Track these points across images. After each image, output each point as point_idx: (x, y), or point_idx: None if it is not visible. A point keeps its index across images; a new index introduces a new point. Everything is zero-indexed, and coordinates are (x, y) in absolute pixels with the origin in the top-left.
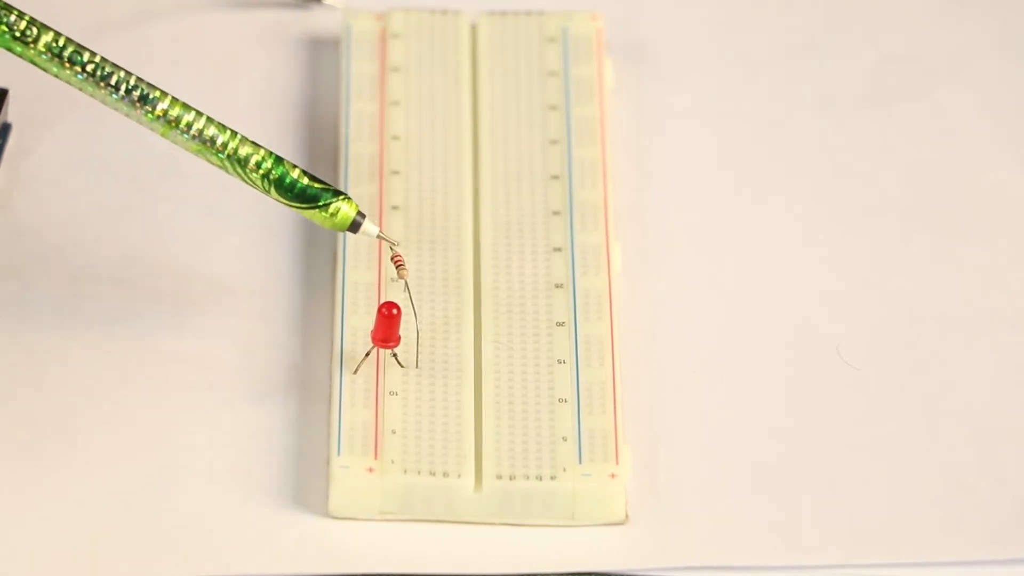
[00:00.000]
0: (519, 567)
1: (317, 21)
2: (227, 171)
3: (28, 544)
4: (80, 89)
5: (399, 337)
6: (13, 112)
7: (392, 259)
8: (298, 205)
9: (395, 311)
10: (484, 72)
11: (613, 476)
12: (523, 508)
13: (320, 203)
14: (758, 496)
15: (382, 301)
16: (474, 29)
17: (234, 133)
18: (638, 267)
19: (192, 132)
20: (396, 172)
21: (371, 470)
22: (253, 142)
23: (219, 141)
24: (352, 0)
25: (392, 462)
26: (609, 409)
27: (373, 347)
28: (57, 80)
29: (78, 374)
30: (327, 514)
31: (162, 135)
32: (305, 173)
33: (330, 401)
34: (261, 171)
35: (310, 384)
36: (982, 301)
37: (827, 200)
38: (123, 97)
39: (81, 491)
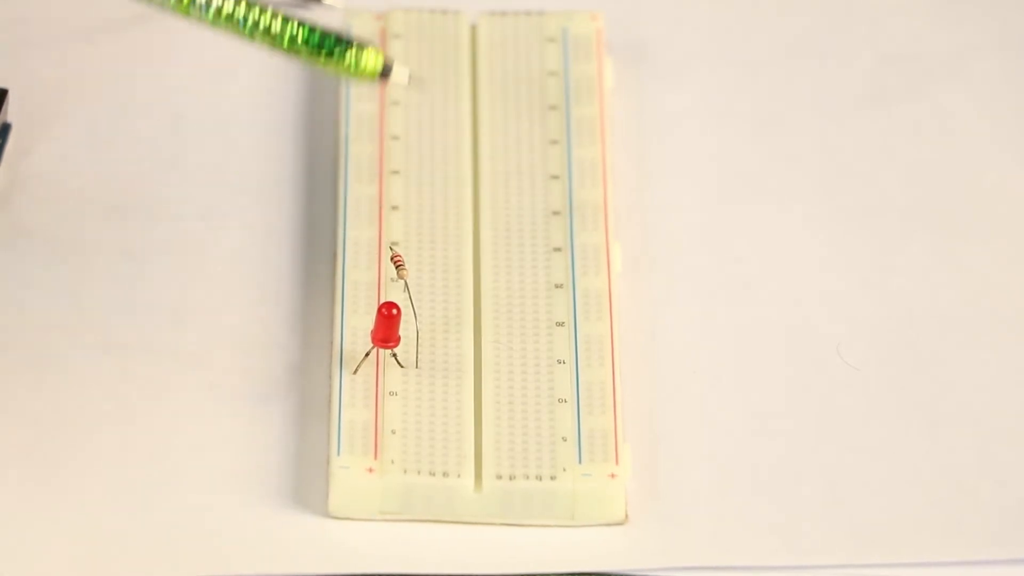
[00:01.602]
0: (519, 567)
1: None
2: (252, 40)
3: (28, 544)
4: None
5: (399, 337)
6: (13, 112)
7: (392, 259)
8: (323, 59)
9: (395, 311)
10: (484, 72)
11: (613, 476)
12: (523, 508)
13: (346, 52)
14: (758, 496)
15: (382, 301)
16: (474, 29)
17: (262, 9)
18: (638, 267)
19: (212, 11)
20: (396, 172)
21: (371, 470)
22: (273, 9)
23: (239, 15)
24: (352, 0)
25: (392, 462)
26: (609, 409)
27: (373, 347)
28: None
29: (78, 374)
30: (327, 514)
31: (183, 13)
32: (324, 28)
33: (330, 401)
34: (291, 32)
35: (310, 384)
36: (982, 301)
37: (827, 200)
38: None
39: (81, 491)
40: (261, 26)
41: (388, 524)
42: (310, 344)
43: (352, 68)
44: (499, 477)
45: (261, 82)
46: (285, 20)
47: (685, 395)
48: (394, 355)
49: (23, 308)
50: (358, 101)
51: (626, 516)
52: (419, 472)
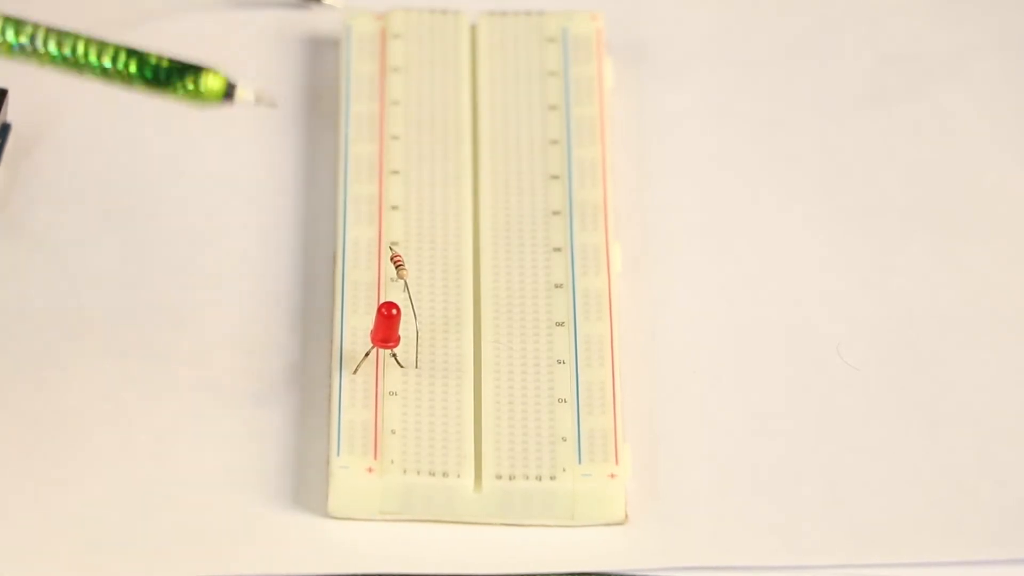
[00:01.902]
0: (519, 567)
1: (317, 21)
2: (77, 74)
3: (28, 544)
4: None
5: (399, 337)
6: (13, 112)
7: (392, 259)
8: (161, 89)
9: (395, 311)
10: (484, 72)
11: (613, 476)
12: (523, 508)
13: (185, 79)
14: (758, 496)
15: (382, 301)
16: (474, 29)
17: (79, 39)
18: (638, 267)
19: (32, 48)
20: (396, 172)
21: (371, 470)
22: (99, 41)
23: (66, 51)
24: (352, 0)
25: (392, 462)
26: (609, 409)
27: (373, 347)
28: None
29: (78, 374)
30: (327, 514)
31: (6, 55)
32: (159, 56)
33: (330, 401)
34: (121, 67)
35: (310, 384)
36: (982, 301)
37: (827, 200)
38: None
39: (81, 491)
40: (91, 63)
41: (388, 524)
42: (310, 344)
43: (193, 95)
44: (499, 477)
45: (261, 82)
46: (115, 55)
47: (685, 395)
48: (394, 355)
49: (23, 308)
50: (358, 101)
51: (626, 516)
52: (419, 472)
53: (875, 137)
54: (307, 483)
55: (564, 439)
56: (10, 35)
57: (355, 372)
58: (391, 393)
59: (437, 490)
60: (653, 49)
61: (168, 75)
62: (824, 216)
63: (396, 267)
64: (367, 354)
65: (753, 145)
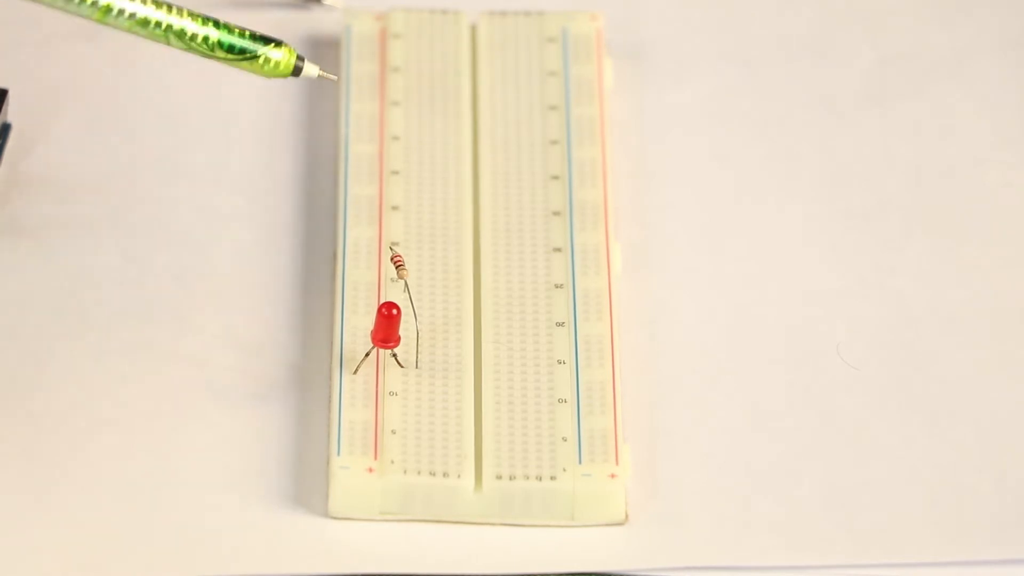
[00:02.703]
0: (519, 567)
1: (317, 21)
2: (164, 43)
3: (28, 544)
4: None
5: (399, 337)
6: (13, 112)
7: (392, 259)
8: (245, 58)
9: (395, 311)
10: (484, 72)
11: (613, 476)
12: (523, 508)
13: (258, 54)
14: (758, 496)
15: (382, 301)
16: (474, 29)
17: (169, 7)
18: (638, 267)
19: (127, 15)
20: (396, 172)
21: (371, 470)
22: (189, 12)
23: (154, 20)
24: (352, 0)
25: (392, 462)
26: (609, 409)
27: (373, 347)
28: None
29: (78, 374)
30: (327, 514)
31: (98, 21)
32: (238, 27)
33: (330, 401)
34: (203, 39)
35: (310, 384)
36: (982, 301)
37: (827, 200)
38: None
39: (82, 491)
40: (175, 29)
41: (388, 524)
42: (310, 344)
43: (266, 68)
44: (499, 477)
45: (261, 82)
46: (203, 22)
47: (685, 395)
48: (394, 355)
49: (23, 308)
50: (358, 101)
51: (626, 516)
52: (419, 472)
53: (875, 137)
54: (307, 483)
55: (564, 439)
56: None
57: (355, 372)
58: (391, 393)
59: (437, 490)
60: (653, 49)
61: (247, 47)
62: (824, 216)
63: (396, 267)
64: (367, 354)
65: (753, 145)
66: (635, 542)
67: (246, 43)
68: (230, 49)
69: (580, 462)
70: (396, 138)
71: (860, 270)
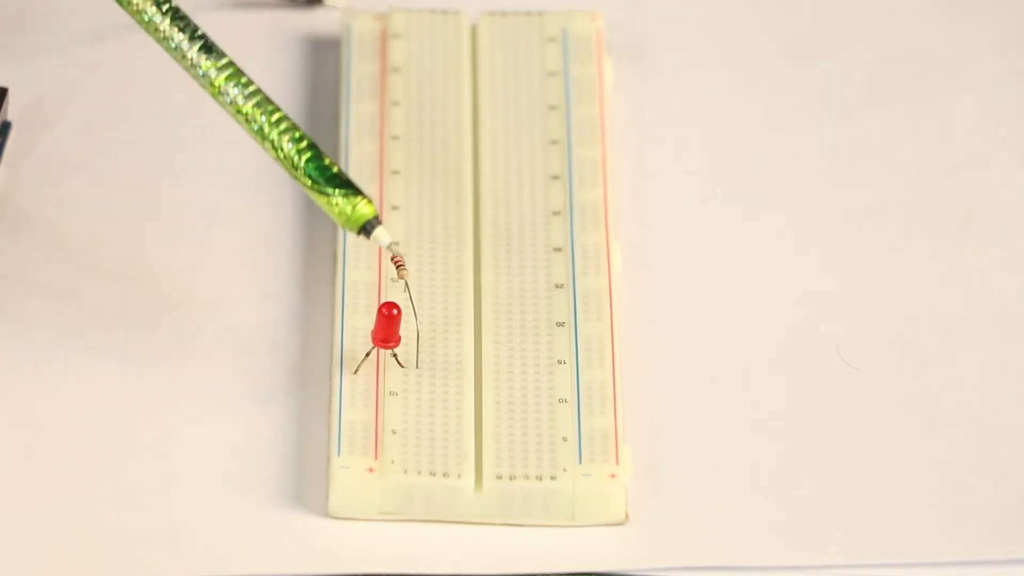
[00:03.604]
0: (519, 567)
1: (317, 21)
2: (259, 144)
3: (28, 544)
4: (148, 26)
5: (399, 337)
6: (13, 112)
7: (392, 259)
8: (319, 191)
9: (395, 311)
10: (484, 72)
11: (613, 476)
12: (523, 508)
13: (343, 194)
14: (758, 496)
15: (382, 301)
16: (474, 29)
17: (275, 110)
18: (638, 267)
19: (235, 100)
20: (396, 172)
21: (371, 470)
22: (292, 123)
23: (256, 115)
24: (352, 0)
25: (392, 462)
26: (609, 409)
27: (373, 347)
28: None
29: (78, 374)
30: (327, 514)
31: (211, 95)
32: (336, 164)
33: (330, 401)
34: (296, 151)
35: (310, 384)
36: (982, 301)
37: (827, 200)
38: (191, 40)
39: (82, 491)
40: (268, 136)
41: (388, 524)
42: (310, 344)
43: (334, 212)
44: (499, 477)
45: (261, 82)
46: (297, 140)
47: (685, 395)
48: (394, 355)
49: (23, 307)
50: (358, 101)
51: (626, 516)
52: (419, 472)
53: (875, 137)
54: (307, 483)
55: (564, 439)
56: (224, 82)
57: (355, 372)
58: (391, 393)
59: (437, 490)
60: (653, 49)
61: (330, 182)
62: (824, 216)
63: (396, 267)
64: (367, 354)
65: (753, 145)
66: (635, 542)
67: (323, 179)
68: (309, 177)
69: (580, 462)
70: (396, 138)
71: (860, 270)
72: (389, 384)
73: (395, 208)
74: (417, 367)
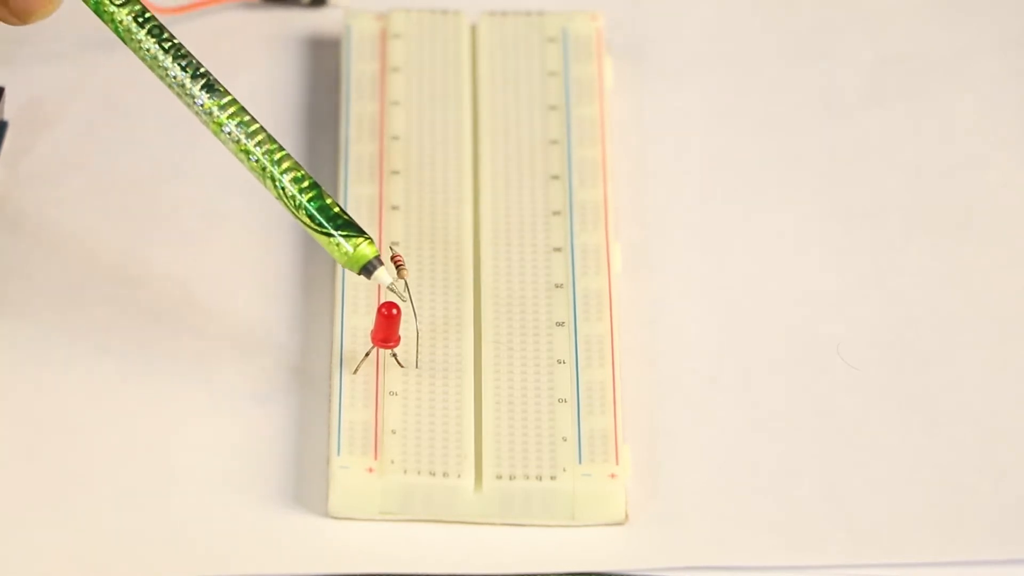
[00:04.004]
0: (519, 567)
1: (317, 21)
2: (261, 182)
3: (28, 544)
4: (152, 63)
5: (399, 337)
6: (12, 111)
7: (392, 259)
8: (321, 231)
9: (395, 311)
10: (484, 72)
11: (613, 476)
12: (523, 508)
13: (342, 234)
14: (758, 496)
15: (382, 301)
16: (474, 29)
17: (278, 148)
18: (638, 267)
19: (238, 138)
20: (396, 172)
21: (371, 470)
22: (295, 161)
23: (259, 153)
24: (352, 0)
25: (392, 462)
26: (609, 409)
27: (373, 347)
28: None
29: (78, 374)
30: (327, 514)
31: (212, 132)
32: (336, 204)
33: (330, 401)
34: (298, 190)
35: (310, 384)
36: (982, 301)
37: (827, 200)
38: (193, 78)
39: (81, 491)
40: (270, 175)
41: (388, 524)
42: (310, 344)
43: (336, 253)
44: (499, 477)
45: (261, 83)
46: (299, 180)
47: (685, 395)
48: (394, 355)
49: (23, 307)
50: (358, 101)
51: (626, 516)
52: (419, 472)
53: (875, 137)
54: (307, 483)
55: (564, 439)
56: (226, 120)
57: (355, 372)
58: (391, 393)
59: (437, 490)
60: (653, 49)
61: (332, 221)
62: (824, 216)
63: (396, 267)
64: (367, 354)
65: (753, 145)
66: (635, 542)
67: (326, 219)
68: (311, 217)
69: (580, 462)
70: (396, 138)
71: (860, 270)
72: (389, 384)
73: (395, 208)
74: (417, 367)
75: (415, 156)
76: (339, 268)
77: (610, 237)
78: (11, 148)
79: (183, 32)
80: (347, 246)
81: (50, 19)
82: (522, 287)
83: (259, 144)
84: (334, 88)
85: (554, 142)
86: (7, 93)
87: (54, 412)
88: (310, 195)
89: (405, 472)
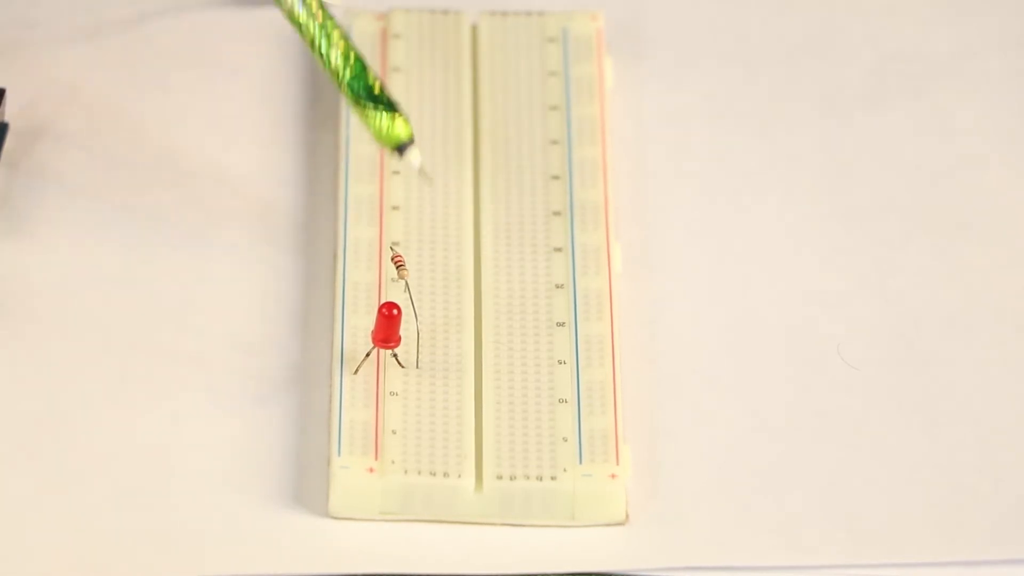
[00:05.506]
0: (519, 567)
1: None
2: (311, 52)
3: (28, 544)
4: None
5: (399, 337)
6: (12, 112)
7: (392, 259)
8: (363, 105)
9: (395, 311)
10: (484, 72)
11: (613, 476)
12: (523, 508)
13: (383, 109)
14: (758, 496)
15: (382, 301)
16: (474, 29)
17: (333, 25)
18: (638, 267)
19: (292, 8)
20: (396, 172)
21: (371, 470)
22: (342, 35)
23: (312, 28)
24: (352, 0)
25: (392, 462)
26: (609, 409)
27: (373, 347)
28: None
29: (78, 374)
30: (327, 514)
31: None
32: (381, 86)
33: (330, 401)
34: (343, 64)
35: (310, 384)
36: (982, 301)
37: (827, 200)
38: None
39: (81, 491)
40: (318, 47)
41: (388, 524)
42: (310, 344)
43: (372, 127)
44: (499, 477)
45: (261, 82)
46: (344, 54)
47: (685, 395)
48: (394, 355)
49: (23, 307)
50: None
51: (626, 516)
52: (419, 472)
53: (875, 137)
54: (307, 483)
55: (565, 439)
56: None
57: (356, 372)
58: (392, 393)
59: (437, 490)
60: (653, 49)
61: (371, 98)
62: (824, 216)
63: (397, 267)
64: (368, 354)
65: (753, 145)
66: (635, 542)
67: (365, 95)
68: (352, 89)
69: (580, 462)
70: None
71: (860, 270)
72: (389, 384)
73: (395, 208)
74: (417, 367)
75: None
76: (339, 268)
77: (610, 237)
78: (11, 149)
79: (183, 30)
80: (384, 120)
81: (50, 19)
82: (522, 287)
83: (311, 15)
84: (334, 88)
85: (554, 142)
86: (7, 95)
87: (54, 412)
88: (354, 71)
89: (405, 472)
